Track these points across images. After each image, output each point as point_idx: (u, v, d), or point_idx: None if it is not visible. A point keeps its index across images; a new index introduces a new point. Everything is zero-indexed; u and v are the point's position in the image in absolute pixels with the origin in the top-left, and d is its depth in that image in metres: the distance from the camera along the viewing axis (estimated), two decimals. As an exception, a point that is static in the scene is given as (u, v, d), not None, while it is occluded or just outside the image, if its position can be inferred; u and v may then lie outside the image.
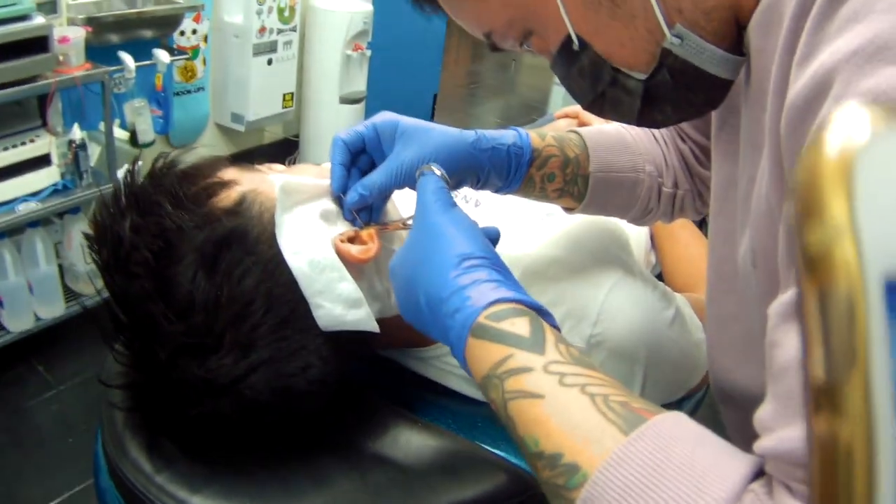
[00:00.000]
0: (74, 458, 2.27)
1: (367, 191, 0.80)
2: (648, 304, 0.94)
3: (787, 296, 0.48)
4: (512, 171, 0.86)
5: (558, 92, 4.54)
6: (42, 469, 2.23)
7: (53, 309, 2.60)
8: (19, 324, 2.52)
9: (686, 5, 0.62)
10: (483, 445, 0.86)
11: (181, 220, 0.75)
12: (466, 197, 1.17)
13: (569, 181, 0.91)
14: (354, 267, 0.81)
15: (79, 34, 2.40)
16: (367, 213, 0.83)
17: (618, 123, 1.00)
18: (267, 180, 0.82)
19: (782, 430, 0.46)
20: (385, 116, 0.82)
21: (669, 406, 1.00)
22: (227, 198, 0.79)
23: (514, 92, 6.93)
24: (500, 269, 0.65)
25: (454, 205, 0.71)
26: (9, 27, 2.11)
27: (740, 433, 0.52)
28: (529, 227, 1.07)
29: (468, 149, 0.81)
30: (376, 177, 0.80)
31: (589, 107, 0.74)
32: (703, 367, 1.00)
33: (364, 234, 0.82)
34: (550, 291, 0.92)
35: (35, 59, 2.21)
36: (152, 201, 0.76)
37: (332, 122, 4.05)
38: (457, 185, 0.83)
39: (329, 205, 0.83)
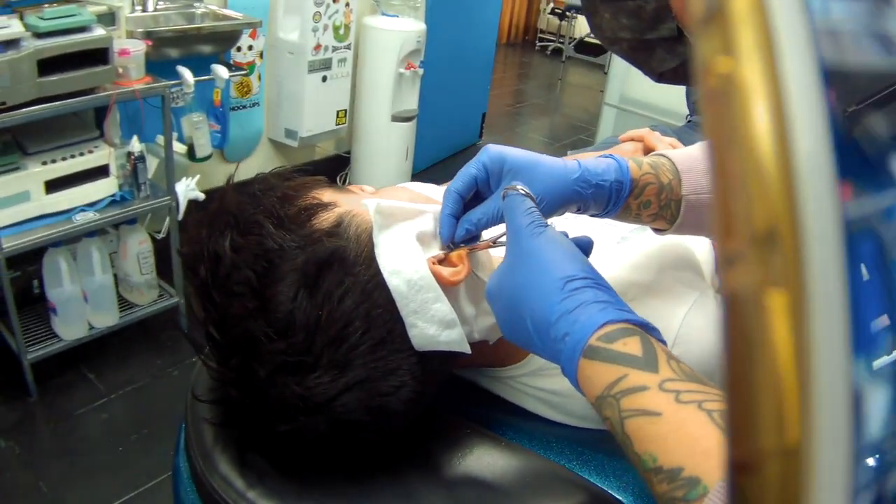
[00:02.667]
0: (124, 466, 2.30)
1: (474, 227, 0.81)
2: None
3: None
4: (611, 203, 0.86)
5: (609, 113, 4.51)
6: (91, 477, 2.25)
7: (107, 318, 2.63)
8: (72, 332, 2.55)
9: None
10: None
11: (283, 241, 0.75)
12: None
13: (663, 206, 0.90)
14: (445, 289, 0.80)
15: (139, 48, 2.44)
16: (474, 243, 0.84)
17: (704, 144, 0.98)
18: (361, 202, 0.82)
19: None
20: (492, 152, 0.81)
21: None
22: (326, 219, 0.79)
23: (559, 112, 6.93)
24: (603, 287, 0.66)
25: (547, 224, 0.71)
26: (69, 38, 2.14)
27: None
28: (605, 251, 1.06)
29: (572, 185, 0.81)
30: (483, 211, 0.80)
31: (611, 42, 0.74)
32: None
33: (454, 256, 0.82)
34: None
35: (94, 70, 2.24)
36: (253, 221, 0.76)
37: (384, 139, 4.08)
38: (558, 214, 0.83)
39: (423, 227, 0.83)
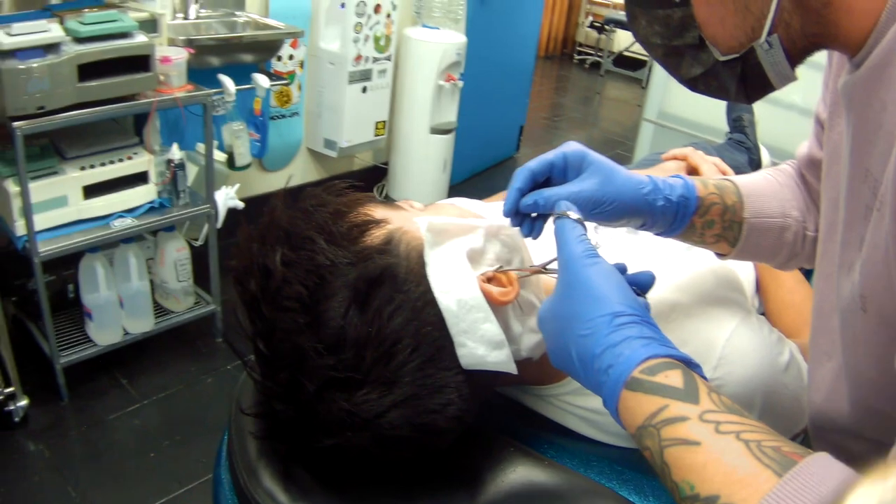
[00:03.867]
0: (154, 473, 2.30)
1: (543, 200, 0.81)
2: (766, 348, 0.96)
3: None
4: (677, 220, 0.89)
5: (647, 128, 4.46)
6: (121, 483, 2.25)
7: (143, 324, 2.64)
8: (107, 337, 2.56)
9: (796, 24, 0.67)
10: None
11: (335, 257, 0.76)
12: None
13: (726, 227, 0.93)
14: (493, 308, 0.81)
15: (181, 55, 2.45)
16: (529, 227, 0.83)
17: (765, 171, 1.02)
18: (411, 219, 0.83)
19: None
20: (574, 147, 0.84)
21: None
22: (377, 236, 0.80)
23: (596, 126, 6.89)
24: (648, 324, 0.67)
25: (597, 255, 0.72)
26: (110, 44, 2.15)
27: None
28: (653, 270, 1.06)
29: (642, 199, 0.84)
30: (556, 191, 0.81)
31: (650, 46, 0.78)
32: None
33: (503, 276, 0.83)
34: (672, 337, 0.90)
35: (136, 77, 2.25)
36: (305, 236, 0.77)
37: (422, 151, 4.08)
38: (621, 225, 0.86)
39: (473, 245, 0.84)
